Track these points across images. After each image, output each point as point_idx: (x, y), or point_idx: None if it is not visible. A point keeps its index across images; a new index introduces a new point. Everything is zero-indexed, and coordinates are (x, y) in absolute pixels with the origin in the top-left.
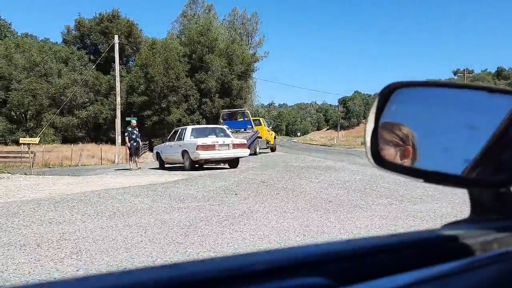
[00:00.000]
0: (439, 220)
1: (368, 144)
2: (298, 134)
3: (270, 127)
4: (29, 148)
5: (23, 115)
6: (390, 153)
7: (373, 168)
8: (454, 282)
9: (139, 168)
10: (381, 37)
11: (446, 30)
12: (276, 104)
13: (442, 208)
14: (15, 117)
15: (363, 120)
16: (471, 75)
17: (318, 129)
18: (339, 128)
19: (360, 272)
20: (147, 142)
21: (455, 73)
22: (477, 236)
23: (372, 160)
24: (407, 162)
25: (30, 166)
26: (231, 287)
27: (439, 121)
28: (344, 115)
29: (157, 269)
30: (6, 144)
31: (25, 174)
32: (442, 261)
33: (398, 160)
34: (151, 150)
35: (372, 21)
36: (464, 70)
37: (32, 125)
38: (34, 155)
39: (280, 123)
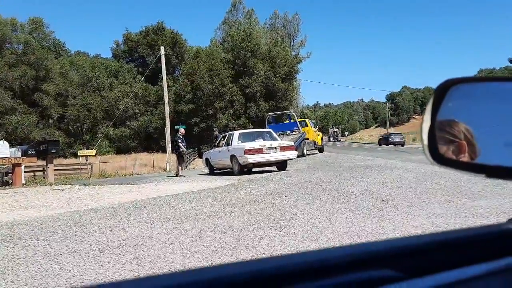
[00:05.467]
0: (501, 217)
1: (426, 141)
2: (346, 133)
3: (317, 128)
4: (87, 160)
5: (80, 128)
6: (448, 149)
7: (427, 165)
8: None
9: (182, 175)
10: (430, 29)
11: (499, 18)
12: (322, 104)
13: (504, 204)
14: (72, 131)
15: (413, 116)
16: None
17: (367, 127)
18: (388, 125)
19: (428, 265)
20: (196, 148)
21: (511, 60)
22: None
23: (430, 158)
24: (465, 158)
25: (88, 177)
26: (312, 279)
27: (498, 115)
28: (393, 111)
29: (237, 264)
30: (65, 157)
31: (84, 184)
32: (507, 255)
33: (456, 156)
34: (200, 156)
35: (419, 12)
36: None
37: (88, 137)
38: (92, 166)
39: (326, 123)
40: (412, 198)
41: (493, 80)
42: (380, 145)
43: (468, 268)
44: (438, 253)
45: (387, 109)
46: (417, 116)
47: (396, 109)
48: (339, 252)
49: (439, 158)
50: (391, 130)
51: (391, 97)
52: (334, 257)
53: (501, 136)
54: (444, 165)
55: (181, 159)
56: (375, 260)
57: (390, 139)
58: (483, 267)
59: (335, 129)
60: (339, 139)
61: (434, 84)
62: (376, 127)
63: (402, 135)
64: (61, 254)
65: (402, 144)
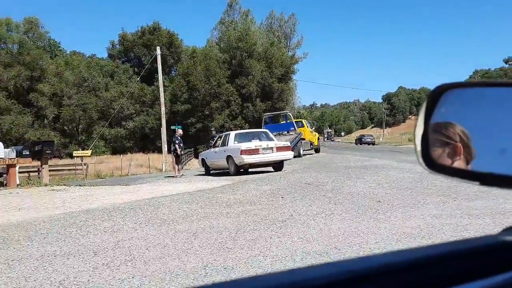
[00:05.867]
0: (497, 217)
1: (419, 147)
2: (342, 134)
3: (313, 128)
4: (82, 161)
5: (75, 129)
6: (442, 155)
7: None
8: None
9: (183, 175)
10: (425, 30)
11: (493, 19)
12: (318, 105)
13: (499, 204)
14: (68, 131)
15: (409, 116)
16: None
17: (363, 127)
18: (384, 126)
19: (425, 281)
20: (192, 149)
21: (506, 61)
22: None
23: (423, 164)
24: (459, 161)
25: (83, 178)
26: None
27: (493, 121)
28: (389, 112)
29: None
30: (60, 157)
31: (80, 185)
32: (504, 269)
33: (450, 162)
34: (196, 157)
35: (414, 13)
36: None
37: (83, 138)
38: (87, 167)
39: (323, 124)
40: (407, 198)
41: (488, 85)
42: (356, 144)
43: (466, 286)
44: (435, 268)
45: (383, 110)
46: (412, 117)
47: (392, 110)
48: (334, 269)
49: (432, 164)
50: (387, 130)
51: (387, 98)
52: (330, 275)
53: (495, 143)
54: (437, 171)
55: (178, 159)
56: (372, 276)
57: (363, 140)
58: (480, 283)
59: (329, 130)
60: (332, 139)
61: (429, 85)
62: (372, 127)
63: (372, 136)
64: (55, 256)
65: (373, 143)
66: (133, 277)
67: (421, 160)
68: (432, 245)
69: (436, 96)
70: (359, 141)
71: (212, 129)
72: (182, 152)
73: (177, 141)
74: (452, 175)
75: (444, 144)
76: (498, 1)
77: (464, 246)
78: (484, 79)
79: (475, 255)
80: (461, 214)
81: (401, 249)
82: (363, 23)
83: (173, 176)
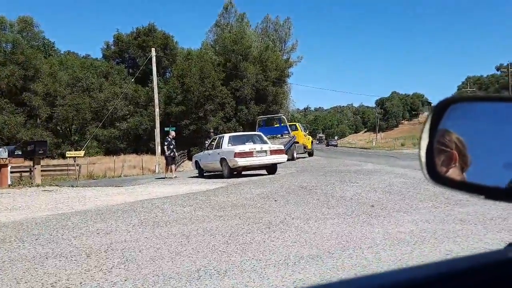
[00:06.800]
0: (488, 223)
1: (423, 160)
2: (336, 137)
3: (307, 132)
4: (75, 161)
5: (68, 129)
6: (446, 168)
7: (415, 171)
8: None
9: (176, 177)
10: (419, 35)
11: (486, 25)
12: (312, 108)
13: (491, 210)
14: (61, 131)
15: (402, 121)
16: None
17: (356, 131)
18: (377, 130)
19: None
20: (186, 151)
21: (498, 68)
22: None
23: (428, 176)
24: (454, 169)
25: (76, 178)
26: None
27: (499, 135)
28: (382, 116)
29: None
30: (53, 158)
31: (72, 186)
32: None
33: (454, 175)
34: (189, 159)
35: (409, 18)
36: (508, 65)
37: (76, 138)
38: (80, 167)
39: (316, 127)
40: (400, 203)
41: (495, 100)
42: (326, 146)
43: None
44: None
45: (377, 114)
46: (405, 122)
47: (385, 114)
48: None
49: (437, 177)
50: (380, 135)
51: (380, 102)
52: None
53: (501, 157)
54: (442, 184)
55: (170, 161)
56: None
57: (329, 143)
58: None
59: (321, 135)
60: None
61: (422, 90)
62: (365, 131)
63: (336, 140)
64: (47, 258)
65: (336, 145)
66: (125, 280)
67: (425, 172)
68: (435, 262)
69: (442, 109)
70: (327, 143)
71: (211, 130)
72: (171, 154)
73: (166, 143)
74: (457, 188)
75: (440, 152)
76: (491, 7)
77: (468, 264)
78: (477, 85)
79: (479, 273)
80: (453, 219)
81: (406, 266)
82: (357, 28)
83: (164, 178)
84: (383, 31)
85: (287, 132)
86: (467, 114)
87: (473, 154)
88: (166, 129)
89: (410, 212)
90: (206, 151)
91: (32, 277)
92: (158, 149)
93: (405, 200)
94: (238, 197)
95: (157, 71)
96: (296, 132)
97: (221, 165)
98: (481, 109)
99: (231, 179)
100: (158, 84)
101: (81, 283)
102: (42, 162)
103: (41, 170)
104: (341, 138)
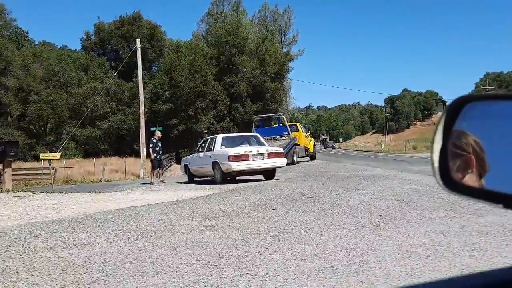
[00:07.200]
0: (508, 236)
1: (436, 164)
2: (340, 139)
3: (309, 133)
4: (50, 164)
5: (43, 128)
6: (462, 174)
7: (428, 177)
8: None
9: (162, 181)
10: (434, 28)
11: (506, 19)
12: (315, 107)
13: (511, 221)
14: (35, 131)
15: (414, 122)
16: None
17: (363, 133)
18: (386, 132)
19: None
20: (174, 153)
21: None
22: None
23: (441, 182)
24: (471, 175)
25: (51, 183)
26: None
27: None
28: (392, 116)
29: None
30: (25, 160)
31: (47, 192)
32: None
33: (471, 182)
34: (178, 162)
35: (422, 11)
36: None
37: (52, 139)
38: (55, 171)
39: (319, 128)
40: (412, 213)
41: None
42: (325, 148)
43: None
44: None
45: (386, 114)
46: (417, 122)
47: (396, 114)
48: None
49: (452, 184)
50: (390, 137)
51: (390, 101)
52: None
53: None
54: (457, 192)
55: (154, 164)
56: None
57: (328, 145)
58: None
59: (325, 137)
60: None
61: (437, 88)
62: (373, 133)
63: (334, 142)
64: (17, 272)
65: (333, 148)
66: None
67: (438, 178)
68: (454, 278)
69: (456, 108)
70: (325, 145)
71: (205, 130)
72: (158, 157)
73: (151, 145)
74: (474, 196)
75: (456, 156)
76: (510, 1)
77: (488, 280)
78: (496, 83)
79: None
80: (470, 231)
81: (418, 283)
82: (365, 21)
83: (149, 183)
84: (392, 23)
85: (286, 133)
86: (485, 114)
87: (492, 158)
88: (152, 129)
89: (422, 223)
90: (196, 154)
91: None
92: (143, 151)
93: (416, 210)
94: (232, 205)
95: (143, 65)
96: (297, 133)
97: (213, 169)
98: (501, 108)
99: (224, 185)
100: (143, 79)
101: None
102: (13, 165)
103: (12, 174)
104: (346, 140)
